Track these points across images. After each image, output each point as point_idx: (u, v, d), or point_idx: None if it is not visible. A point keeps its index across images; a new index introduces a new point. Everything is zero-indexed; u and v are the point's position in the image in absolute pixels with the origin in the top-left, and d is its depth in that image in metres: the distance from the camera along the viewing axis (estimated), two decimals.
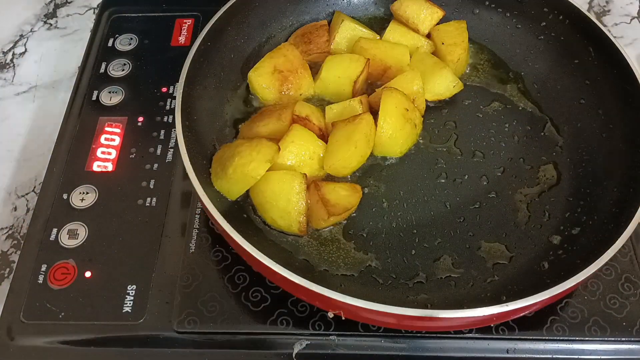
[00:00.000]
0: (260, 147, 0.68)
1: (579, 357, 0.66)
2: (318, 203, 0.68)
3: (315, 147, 0.72)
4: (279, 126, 0.73)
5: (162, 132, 0.81)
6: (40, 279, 0.68)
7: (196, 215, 0.73)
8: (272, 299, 0.67)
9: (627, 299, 0.68)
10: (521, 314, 0.62)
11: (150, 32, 0.93)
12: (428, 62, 0.81)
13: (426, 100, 0.80)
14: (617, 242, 0.60)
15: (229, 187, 0.69)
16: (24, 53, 0.99)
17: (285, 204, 0.68)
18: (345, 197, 0.70)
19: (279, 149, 0.69)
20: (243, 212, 0.71)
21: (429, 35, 0.85)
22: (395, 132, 0.74)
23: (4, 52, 0.99)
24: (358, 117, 0.72)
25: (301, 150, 0.71)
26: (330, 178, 0.74)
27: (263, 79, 0.78)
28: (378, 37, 0.85)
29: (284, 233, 0.70)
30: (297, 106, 0.75)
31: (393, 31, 0.85)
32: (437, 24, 0.85)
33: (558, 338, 0.65)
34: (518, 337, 0.65)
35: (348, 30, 0.84)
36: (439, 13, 0.84)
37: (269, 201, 0.68)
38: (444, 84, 0.81)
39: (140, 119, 0.82)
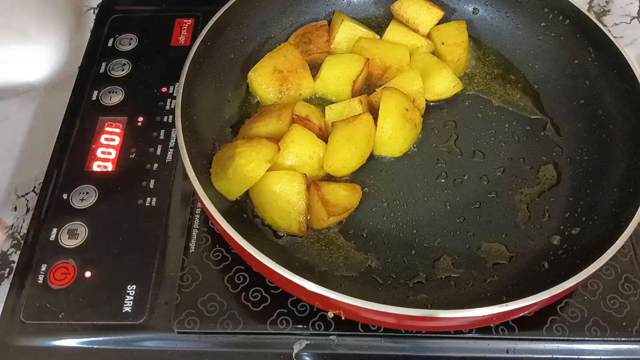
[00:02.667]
0: (260, 147, 0.68)
1: (579, 357, 0.66)
2: (318, 203, 0.68)
3: (315, 147, 0.72)
4: (279, 126, 0.73)
5: (162, 132, 0.81)
6: (40, 279, 0.68)
7: (196, 215, 0.73)
8: (272, 299, 0.67)
9: (627, 299, 0.68)
10: (521, 314, 0.62)
11: (150, 32, 0.93)
12: (428, 62, 0.81)
13: (426, 100, 0.80)
14: (617, 242, 0.60)
15: (229, 187, 0.69)
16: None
17: (285, 204, 0.68)
18: (345, 197, 0.70)
19: (279, 149, 0.69)
20: (243, 212, 0.71)
21: (429, 35, 0.85)
22: (395, 131, 0.74)
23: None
24: (358, 117, 0.72)
25: (301, 150, 0.71)
26: (330, 178, 0.74)
27: (263, 79, 0.78)
28: (378, 37, 0.85)
29: (284, 233, 0.70)
30: (297, 106, 0.75)
31: (393, 31, 0.85)
32: (437, 24, 0.85)
33: (558, 338, 0.65)
34: (518, 337, 0.65)
35: (348, 30, 0.84)
36: (438, 13, 0.84)
37: (268, 201, 0.68)
38: (444, 84, 0.81)
39: (140, 119, 0.82)
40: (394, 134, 0.74)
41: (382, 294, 0.66)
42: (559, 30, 0.83)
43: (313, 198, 0.69)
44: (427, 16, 0.84)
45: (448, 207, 0.73)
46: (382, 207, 0.73)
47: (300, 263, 0.68)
